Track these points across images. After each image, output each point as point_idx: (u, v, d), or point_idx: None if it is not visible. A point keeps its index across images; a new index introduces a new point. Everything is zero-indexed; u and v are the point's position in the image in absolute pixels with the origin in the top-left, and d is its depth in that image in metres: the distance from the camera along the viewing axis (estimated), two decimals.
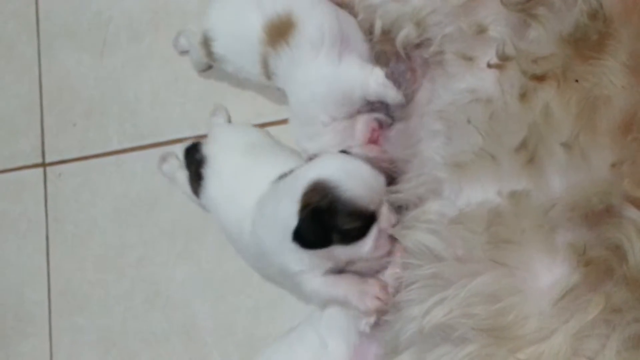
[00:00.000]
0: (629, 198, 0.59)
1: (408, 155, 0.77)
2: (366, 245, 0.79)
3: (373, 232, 0.79)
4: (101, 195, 1.18)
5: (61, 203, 1.21)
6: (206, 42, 0.99)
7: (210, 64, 1.06)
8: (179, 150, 1.06)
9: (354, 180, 0.78)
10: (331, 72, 0.89)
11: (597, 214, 0.60)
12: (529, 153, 0.63)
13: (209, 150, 0.99)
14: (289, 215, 0.81)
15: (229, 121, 1.08)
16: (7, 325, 1.23)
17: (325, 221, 0.78)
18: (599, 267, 0.59)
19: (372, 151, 0.87)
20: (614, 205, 0.59)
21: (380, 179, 0.80)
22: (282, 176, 0.89)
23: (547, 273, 0.61)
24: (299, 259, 0.83)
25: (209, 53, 1.00)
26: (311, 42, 0.89)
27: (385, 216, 0.79)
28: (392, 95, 0.84)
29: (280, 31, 0.91)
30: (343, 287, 0.84)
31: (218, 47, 0.98)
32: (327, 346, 0.88)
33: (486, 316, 0.61)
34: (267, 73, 0.95)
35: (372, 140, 0.88)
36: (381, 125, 0.88)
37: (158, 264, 1.12)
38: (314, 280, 0.84)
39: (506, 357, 0.60)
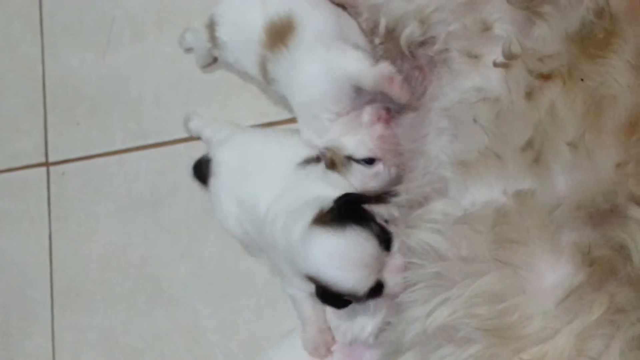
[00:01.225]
0: (634, 198, 0.59)
1: (414, 150, 0.76)
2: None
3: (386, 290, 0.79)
4: (104, 195, 1.18)
5: (64, 202, 1.22)
6: (212, 25, 0.99)
7: (213, 58, 1.06)
8: (184, 149, 1.06)
9: (344, 273, 0.77)
10: (322, 67, 0.88)
11: (602, 214, 0.59)
12: (535, 152, 0.62)
13: (217, 158, 0.99)
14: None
15: (206, 121, 1.08)
16: (10, 324, 1.23)
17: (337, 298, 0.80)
18: (603, 267, 0.59)
19: (379, 131, 0.86)
20: (618, 205, 0.59)
21: (370, 245, 0.77)
22: (308, 161, 0.90)
23: (552, 273, 0.60)
24: (289, 266, 0.86)
25: (213, 37, 1.00)
26: (309, 45, 0.89)
27: (392, 270, 0.78)
28: (396, 92, 0.84)
29: (280, 34, 0.91)
30: (307, 316, 0.89)
31: (221, 33, 0.99)
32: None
33: (490, 316, 0.60)
34: (266, 78, 0.95)
35: (388, 140, 0.87)
36: (389, 112, 0.88)
37: (161, 263, 1.12)
38: (294, 289, 0.89)
39: (510, 358, 0.59)
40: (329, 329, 0.89)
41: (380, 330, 0.81)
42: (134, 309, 1.13)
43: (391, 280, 0.78)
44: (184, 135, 1.11)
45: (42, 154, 1.24)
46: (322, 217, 0.80)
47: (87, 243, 1.19)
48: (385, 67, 0.83)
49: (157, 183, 1.14)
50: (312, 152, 0.92)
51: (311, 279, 0.80)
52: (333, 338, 0.88)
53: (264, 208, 0.90)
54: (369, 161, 0.87)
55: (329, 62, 0.87)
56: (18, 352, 1.22)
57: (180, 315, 1.09)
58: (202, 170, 1.00)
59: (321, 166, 0.91)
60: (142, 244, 1.14)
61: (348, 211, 0.79)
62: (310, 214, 0.81)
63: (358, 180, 0.89)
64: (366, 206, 0.83)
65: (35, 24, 1.27)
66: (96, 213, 1.19)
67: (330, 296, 0.80)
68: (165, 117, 1.14)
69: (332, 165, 0.90)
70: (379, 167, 0.87)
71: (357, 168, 0.88)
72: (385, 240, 0.79)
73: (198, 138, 1.08)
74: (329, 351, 0.87)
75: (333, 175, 0.89)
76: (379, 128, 0.86)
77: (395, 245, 0.79)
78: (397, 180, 0.85)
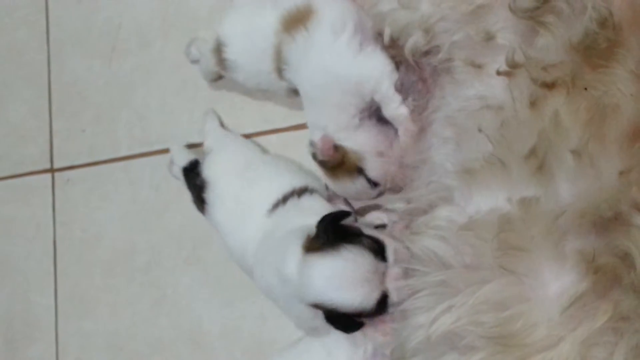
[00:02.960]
0: (638, 205, 0.59)
1: (418, 161, 0.77)
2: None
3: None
4: (109, 201, 1.19)
5: (69, 208, 1.22)
6: (218, 49, 0.99)
7: (220, 75, 1.05)
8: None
9: (347, 294, 0.77)
10: (349, 59, 0.87)
11: (606, 221, 0.60)
12: (539, 160, 0.63)
13: (209, 174, 0.99)
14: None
15: (223, 126, 1.08)
16: (15, 330, 1.24)
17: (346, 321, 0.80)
18: (607, 274, 0.59)
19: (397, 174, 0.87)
20: (622, 213, 0.59)
21: (366, 261, 0.78)
22: (287, 197, 0.90)
23: (556, 280, 0.60)
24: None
25: (220, 60, 1.00)
26: (332, 26, 0.88)
27: (394, 278, 0.78)
28: (393, 106, 0.84)
29: (299, 19, 0.90)
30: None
31: (230, 53, 0.98)
32: (337, 357, 0.88)
33: (494, 324, 0.61)
34: (279, 66, 0.94)
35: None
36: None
37: (165, 269, 1.13)
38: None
39: None
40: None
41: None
42: (138, 315, 1.14)
43: (394, 289, 0.78)
44: (190, 141, 1.11)
45: (47, 160, 1.25)
46: (312, 244, 0.80)
47: (92, 249, 1.19)
48: (405, 116, 0.84)
49: (162, 189, 1.14)
50: (280, 194, 0.92)
51: (317, 306, 0.80)
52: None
53: (251, 257, 0.92)
54: (374, 184, 0.89)
55: (356, 60, 0.87)
56: (22, 358, 1.23)
57: (184, 321, 1.10)
58: (192, 177, 1.01)
59: (290, 201, 0.91)
60: (146, 250, 1.15)
61: (335, 232, 0.80)
62: (298, 243, 0.81)
63: (353, 190, 0.89)
64: (351, 219, 0.85)
65: (41, 31, 1.28)
66: (101, 219, 1.19)
67: (340, 320, 0.80)
68: (170, 123, 1.15)
69: (338, 164, 0.89)
70: (380, 189, 0.89)
71: (361, 181, 0.89)
72: (379, 250, 0.79)
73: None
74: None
75: (305, 203, 0.90)
76: (395, 154, 0.87)
77: (390, 250, 0.80)
78: (396, 188, 0.86)
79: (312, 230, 0.82)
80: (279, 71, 0.94)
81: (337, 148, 0.88)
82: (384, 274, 0.78)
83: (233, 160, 1.00)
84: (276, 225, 0.89)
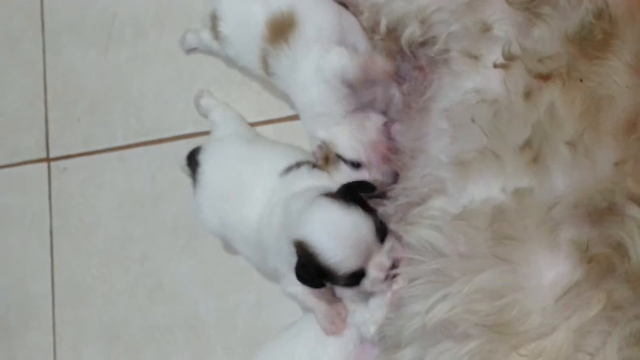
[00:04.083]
0: (632, 196, 0.60)
1: (414, 148, 0.77)
2: (360, 288, 0.82)
3: (365, 282, 0.81)
4: (105, 190, 1.19)
5: (65, 198, 1.22)
6: (214, 19, 1.00)
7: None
8: (185, 146, 1.07)
9: (336, 245, 0.79)
10: (314, 66, 0.89)
11: (600, 212, 0.60)
12: (534, 152, 0.63)
13: (204, 161, 0.99)
14: (285, 239, 0.84)
15: (217, 102, 1.09)
16: (11, 318, 1.24)
17: (315, 274, 0.81)
18: (601, 264, 0.60)
19: (371, 139, 0.89)
20: (616, 204, 0.60)
21: (367, 229, 0.79)
22: (289, 169, 0.92)
23: (550, 270, 0.61)
24: (287, 263, 0.86)
25: (215, 31, 1.01)
26: (308, 43, 0.90)
27: (377, 266, 0.80)
28: (380, 68, 0.86)
29: (281, 29, 0.92)
30: (314, 301, 0.88)
31: (224, 27, 0.99)
32: (326, 340, 0.89)
33: (489, 312, 0.61)
34: (268, 72, 0.96)
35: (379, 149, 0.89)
36: (386, 124, 0.89)
37: (161, 258, 1.13)
38: (294, 286, 0.88)
39: (508, 353, 0.60)
40: (338, 300, 0.89)
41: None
42: (134, 304, 1.14)
43: (372, 275, 0.80)
44: (185, 131, 1.12)
45: (43, 149, 1.25)
46: (330, 194, 0.82)
47: (88, 238, 1.19)
48: (365, 52, 0.84)
49: (157, 179, 1.14)
50: (293, 160, 0.94)
51: (299, 247, 0.81)
52: (344, 307, 0.88)
53: (255, 220, 0.92)
54: (356, 165, 0.89)
55: (317, 62, 0.89)
56: (19, 346, 1.23)
57: (180, 309, 1.10)
58: (194, 162, 1.01)
59: (305, 166, 0.93)
60: (142, 240, 1.15)
61: (355, 196, 0.81)
62: (313, 195, 0.83)
63: (343, 179, 0.90)
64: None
65: (36, 20, 1.27)
66: (97, 208, 1.19)
67: (309, 271, 0.81)
68: (166, 113, 1.15)
69: (325, 160, 0.91)
70: (363, 173, 0.89)
71: (344, 168, 0.90)
72: (382, 231, 0.81)
73: (199, 134, 1.09)
74: (344, 322, 0.87)
75: (318, 172, 0.92)
76: (373, 136, 0.88)
77: (388, 244, 0.81)
78: (393, 180, 0.87)
79: (333, 188, 0.84)
80: (267, 73, 0.96)
81: (319, 147, 0.92)
82: (373, 255, 0.80)
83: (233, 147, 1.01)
84: (287, 187, 0.90)
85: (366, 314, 0.83)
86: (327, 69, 0.88)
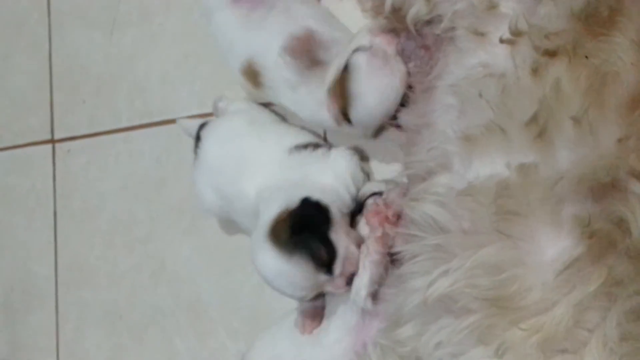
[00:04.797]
0: (635, 173, 0.59)
1: (419, 125, 0.77)
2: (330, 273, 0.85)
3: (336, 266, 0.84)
4: (109, 172, 1.19)
5: (69, 179, 1.23)
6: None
7: None
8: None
9: (277, 284, 0.87)
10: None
11: (603, 188, 0.60)
12: (539, 127, 0.63)
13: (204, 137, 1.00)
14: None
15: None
16: (15, 299, 1.25)
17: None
18: (603, 240, 0.59)
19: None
20: (619, 180, 0.60)
21: (311, 277, 0.84)
22: (298, 147, 0.93)
23: (551, 245, 0.61)
24: None
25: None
26: (278, 83, 0.93)
27: (343, 246, 0.84)
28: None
29: (252, 77, 0.96)
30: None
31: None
32: (329, 323, 0.89)
33: (489, 287, 0.61)
34: None
35: None
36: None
37: (164, 240, 1.13)
38: None
39: (508, 328, 0.60)
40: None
41: (376, 293, 0.82)
42: (137, 285, 1.14)
43: (333, 290, 0.85)
44: (190, 113, 1.12)
45: (47, 131, 1.25)
46: (278, 229, 0.85)
47: (92, 220, 1.20)
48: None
49: (162, 161, 1.14)
50: (306, 140, 0.95)
51: None
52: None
53: (254, 196, 0.92)
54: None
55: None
56: (22, 327, 1.24)
57: (183, 291, 1.10)
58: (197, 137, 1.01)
59: (319, 150, 0.93)
60: (146, 221, 1.15)
61: (302, 226, 0.85)
62: (277, 206, 0.86)
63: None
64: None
65: (42, 2, 1.28)
66: (101, 190, 1.20)
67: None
68: (171, 95, 1.15)
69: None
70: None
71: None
72: (328, 262, 0.84)
73: (204, 115, 1.09)
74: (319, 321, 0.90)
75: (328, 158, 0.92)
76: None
77: (339, 262, 0.84)
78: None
79: (294, 203, 0.86)
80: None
81: None
82: (324, 282, 0.85)
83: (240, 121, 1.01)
84: (289, 167, 0.92)
85: (356, 280, 0.84)
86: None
